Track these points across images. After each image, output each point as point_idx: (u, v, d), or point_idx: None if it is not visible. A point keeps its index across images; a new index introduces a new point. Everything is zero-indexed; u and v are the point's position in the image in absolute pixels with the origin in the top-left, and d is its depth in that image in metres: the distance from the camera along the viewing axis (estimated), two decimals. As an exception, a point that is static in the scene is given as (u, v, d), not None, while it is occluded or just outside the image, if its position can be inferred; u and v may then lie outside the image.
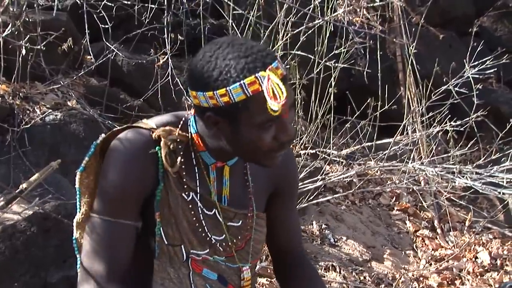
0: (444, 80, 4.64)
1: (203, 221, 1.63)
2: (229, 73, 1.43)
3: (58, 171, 3.08)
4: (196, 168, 1.62)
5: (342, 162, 4.63)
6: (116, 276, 1.57)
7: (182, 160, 1.58)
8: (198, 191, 1.62)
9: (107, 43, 3.99)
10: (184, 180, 1.60)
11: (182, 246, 1.63)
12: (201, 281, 1.67)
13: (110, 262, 1.57)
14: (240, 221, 1.69)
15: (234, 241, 1.69)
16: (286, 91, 1.40)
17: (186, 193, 1.61)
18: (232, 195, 1.67)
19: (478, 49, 4.65)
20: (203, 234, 1.64)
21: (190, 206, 1.62)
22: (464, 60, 4.58)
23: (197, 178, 1.62)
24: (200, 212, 1.63)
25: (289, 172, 1.80)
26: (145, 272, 1.63)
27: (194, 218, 1.62)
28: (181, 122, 1.61)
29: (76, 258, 2.84)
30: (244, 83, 1.42)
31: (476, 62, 4.54)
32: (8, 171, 3.25)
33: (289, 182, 1.81)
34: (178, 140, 1.58)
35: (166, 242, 1.61)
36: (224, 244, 1.67)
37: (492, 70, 4.57)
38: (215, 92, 1.44)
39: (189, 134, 1.61)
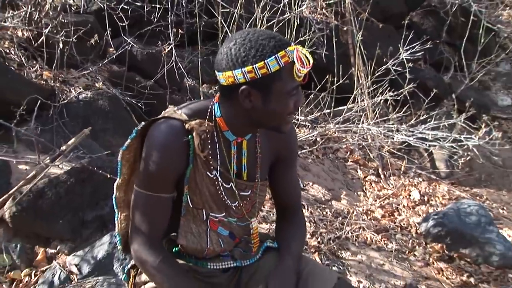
0: (384, 60, 4.64)
1: (223, 192, 1.61)
2: (264, 49, 1.39)
3: (89, 137, 3.07)
4: (219, 149, 1.57)
5: (308, 126, 4.64)
6: (155, 240, 1.55)
7: (209, 142, 1.54)
8: (220, 170, 1.58)
9: (125, 37, 3.95)
10: (210, 161, 1.56)
11: (203, 210, 1.61)
12: (215, 236, 1.65)
13: (151, 228, 1.54)
14: (250, 191, 1.66)
15: (242, 204, 1.66)
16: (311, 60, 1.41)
17: (211, 171, 1.57)
18: (248, 166, 1.64)
19: (409, 38, 4.66)
20: (222, 200, 1.62)
21: (213, 181, 1.59)
22: (399, 46, 4.59)
23: (219, 158, 1.57)
24: (220, 185, 1.60)
25: (291, 142, 1.73)
26: (172, 228, 1.62)
27: (216, 189, 1.60)
28: (208, 113, 1.55)
29: (106, 201, 2.84)
30: (278, 56, 1.39)
31: (408, 47, 4.57)
32: (52, 137, 3.25)
33: (290, 150, 1.74)
34: (207, 130, 1.53)
35: (191, 206, 1.59)
36: (235, 208, 1.65)
37: (420, 54, 4.61)
38: (254, 66, 1.39)
39: (214, 118, 1.55)
